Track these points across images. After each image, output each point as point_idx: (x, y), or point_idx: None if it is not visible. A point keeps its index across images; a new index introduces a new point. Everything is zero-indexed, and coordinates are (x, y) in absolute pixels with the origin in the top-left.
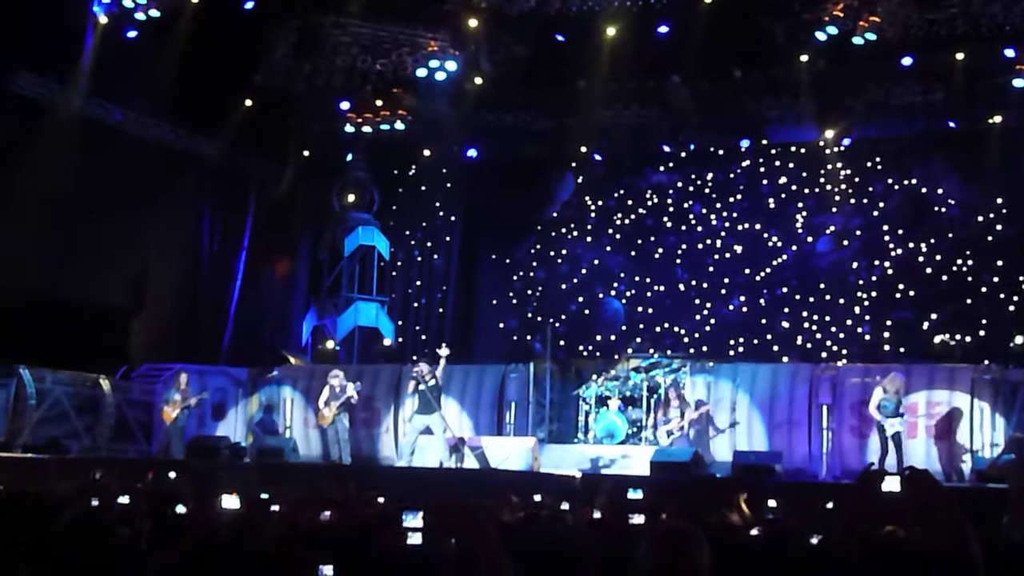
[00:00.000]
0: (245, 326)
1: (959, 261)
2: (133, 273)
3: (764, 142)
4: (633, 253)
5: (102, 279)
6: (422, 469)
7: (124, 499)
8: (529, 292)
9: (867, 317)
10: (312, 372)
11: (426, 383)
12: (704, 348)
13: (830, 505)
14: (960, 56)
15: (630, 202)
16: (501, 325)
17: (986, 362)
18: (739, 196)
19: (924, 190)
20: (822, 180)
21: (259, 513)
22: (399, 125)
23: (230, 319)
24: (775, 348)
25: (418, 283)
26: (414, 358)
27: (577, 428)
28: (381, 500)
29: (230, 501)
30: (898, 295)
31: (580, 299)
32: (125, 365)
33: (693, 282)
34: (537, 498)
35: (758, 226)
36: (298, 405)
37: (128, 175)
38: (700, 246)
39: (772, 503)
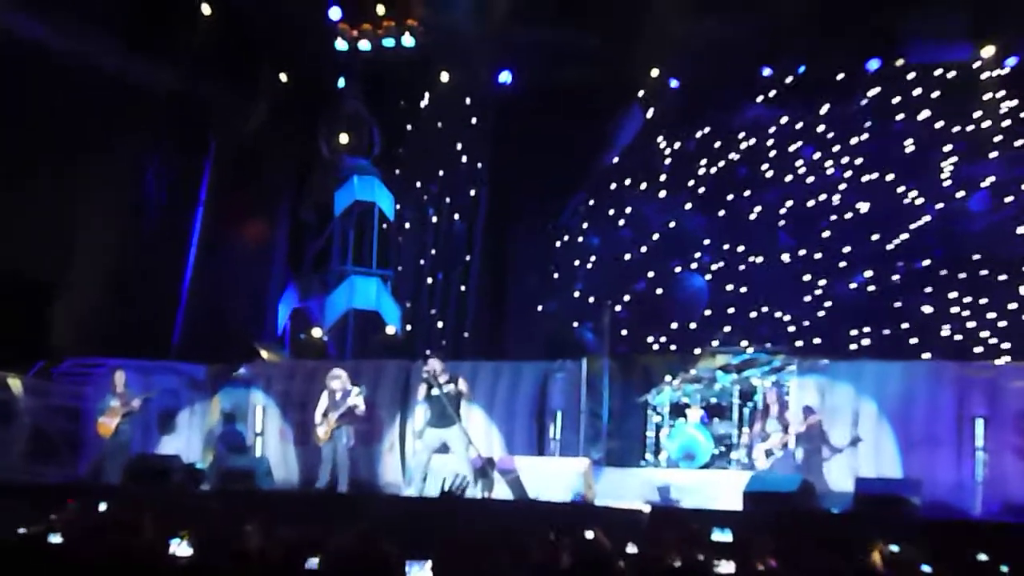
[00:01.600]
0: (202, 309)
1: None
2: (53, 239)
3: (899, 63)
4: (721, 213)
5: (10, 246)
6: (436, 500)
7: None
8: (579, 264)
9: None
10: (292, 370)
11: (441, 386)
12: (816, 340)
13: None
14: None
15: (717, 145)
16: (541, 308)
17: None
18: (864, 137)
19: None
20: (978, 115)
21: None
22: (408, 41)
23: (182, 299)
24: (912, 341)
25: (432, 252)
26: (427, 353)
27: (644, 446)
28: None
29: (180, 547)
30: None
31: (649, 274)
32: (43, 360)
33: (802, 252)
34: (589, 535)
35: (890, 177)
36: (273, 414)
37: (49, 108)
38: (811, 204)
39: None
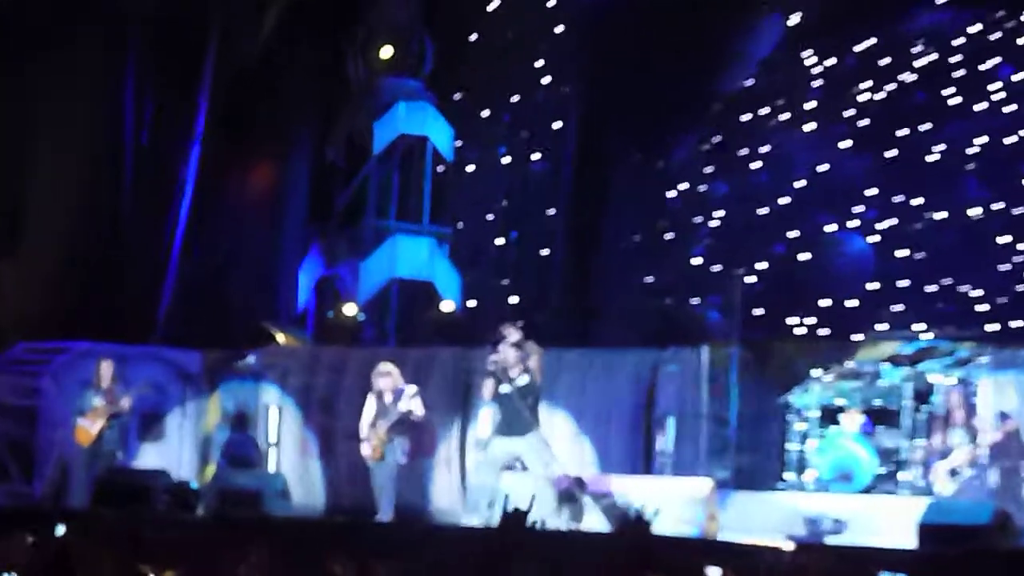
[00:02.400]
0: (197, 278)
1: None
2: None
3: None
4: (890, 153)
5: None
6: (499, 529)
7: None
8: (700, 220)
9: None
10: (315, 359)
11: (514, 382)
12: (1014, 324)
13: None
14: None
15: (884, 61)
16: (650, 279)
17: None
18: None
19: None
20: None
21: None
22: None
23: (171, 267)
24: None
25: (504, 204)
26: (496, 337)
27: (784, 463)
28: None
29: None
30: None
31: (792, 234)
32: None
33: (997, 206)
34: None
35: None
36: (290, 417)
37: None
38: (1010, 141)
39: None
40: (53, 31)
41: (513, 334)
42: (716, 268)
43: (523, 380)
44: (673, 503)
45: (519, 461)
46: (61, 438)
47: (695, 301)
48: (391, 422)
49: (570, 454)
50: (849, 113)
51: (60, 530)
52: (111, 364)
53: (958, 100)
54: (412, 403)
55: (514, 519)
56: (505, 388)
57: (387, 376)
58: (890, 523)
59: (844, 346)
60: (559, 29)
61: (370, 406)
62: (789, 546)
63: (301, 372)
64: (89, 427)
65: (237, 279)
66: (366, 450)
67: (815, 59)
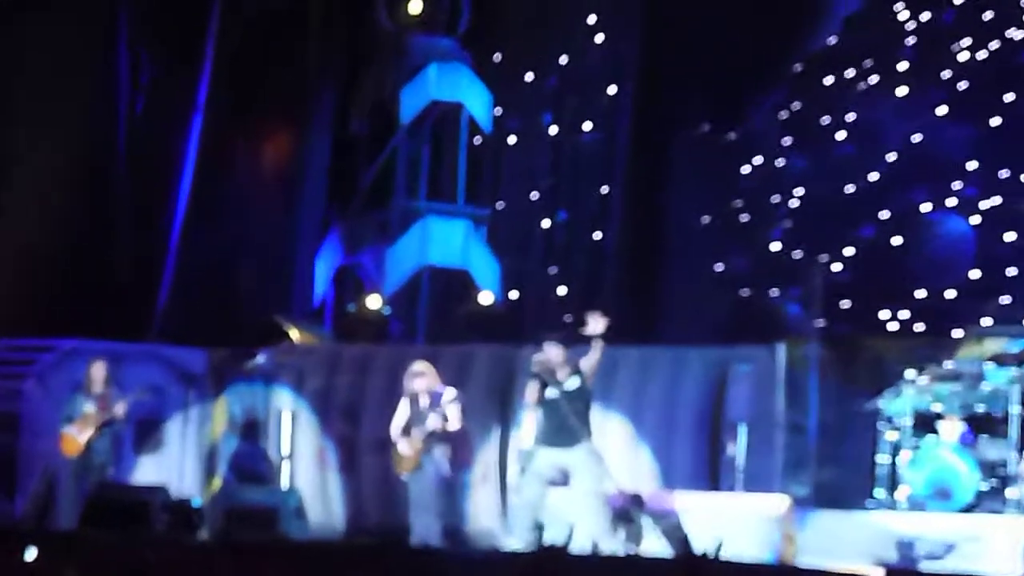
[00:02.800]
0: (200, 267)
1: None
2: None
3: None
4: (995, 121)
5: None
6: (554, 558)
7: None
8: (777, 200)
9: None
10: (336, 359)
11: (562, 385)
12: None
13: None
14: None
15: (988, 16)
16: (719, 267)
17: None
18: None
19: None
20: None
21: None
22: None
23: (170, 254)
24: None
25: (550, 181)
26: (541, 334)
27: (873, 478)
28: None
29: None
30: None
31: (882, 215)
32: None
33: None
34: None
35: None
36: (307, 424)
37: None
38: None
39: None
40: None
41: (598, 322)
42: (796, 254)
43: (573, 383)
44: (744, 523)
45: (567, 475)
46: (46, 448)
47: (772, 292)
48: (427, 430)
49: (626, 467)
50: (947, 75)
51: (31, 554)
52: (103, 365)
53: None
54: (450, 408)
55: (555, 549)
56: (552, 392)
57: (421, 377)
58: (994, 546)
59: (942, 343)
60: None
61: (403, 411)
62: (878, 573)
63: (319, 373)
64: (77, 436)
65: (246, 268)
66: (399, 461)
67: (908, 13)
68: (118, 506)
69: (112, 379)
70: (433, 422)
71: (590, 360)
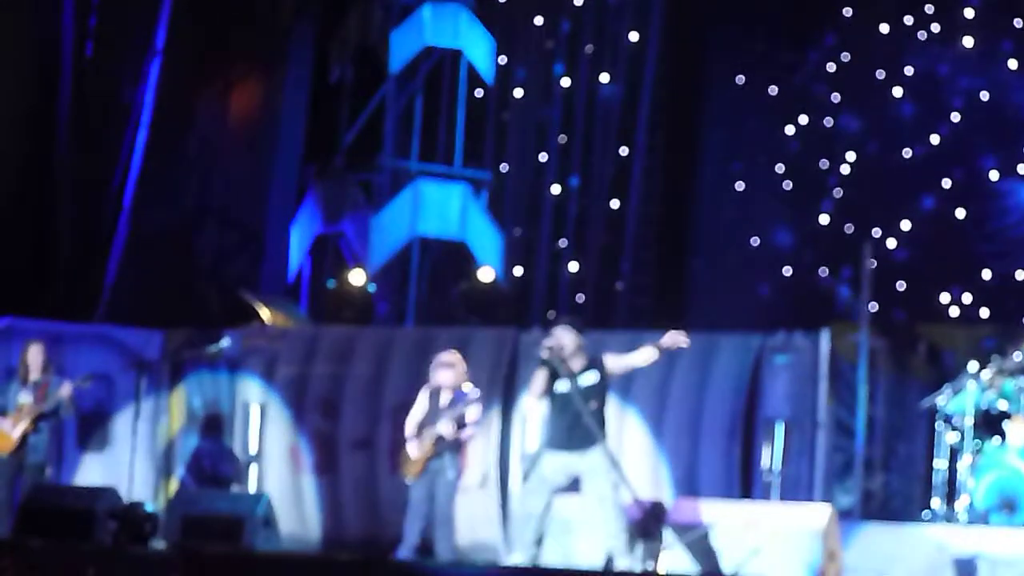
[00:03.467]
0: (154, 236)
1: None
2: None
3: None
4: None
5: None
6: None
7: None
8: (824, 165)
9: None
10: (312, 342)
11: (575, 378)
12: None
13: None
14: None
15: None
16: (755, 241)
17: None
18: None
19: None
20: None
21: None
22: None
23: (121, 221)
24: None
25: (562, 139)
26: (550, 316)
27: (930, 487)
28: None
29: None
30: None
31: (944, 183)
32: None
33: None
34: None
35: None
36: (277, 419)
37: None
38: None
39: None
40: None
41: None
42: (846, 228)
43: (589, 378)
44: (781, 537)
45: (577, 481)
46: None
47: (818, 271)
48: (437, 433)
49: (647, 473)
50: (1019, 24)
51: None
52: (41, 348)
53: None
54: (473, 409)
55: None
56: (563, 385)
57: (448, 369)
58: None
59: (1011, 332)
60: None
61: (421, 403)
62: None
63: (292, 360)
64: (10, 431)
65: (208, 237)
66: (406, 463)
67: None
68: (58, 512)
69: (52, 364)
70: (445, 427)
71: (623, 362)
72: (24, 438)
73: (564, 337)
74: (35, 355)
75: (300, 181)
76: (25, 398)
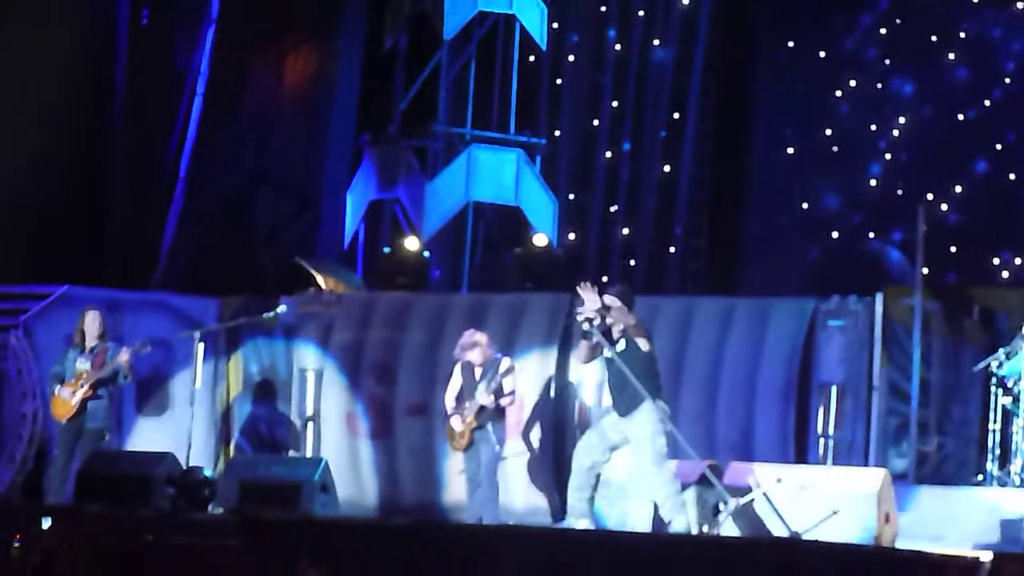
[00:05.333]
0: (213, 204)
1: None
2: None
3: None
4: None
5: None
6: (615, 539)
7: None
8: (875, 129)
9: None
10: (368, 308)
11: (614, 341)
12: None
13: None
14: None
15: None
16: (807, 206)
17: None
18: None
19: None
20: None
21: None
22: None
23: (177, 186)
24: None
25: (614, 105)
26: (603, 280)
27: (985, 451)
28: None
29: None
30: None
31: (998, 147)
32: None
33: None
34: None
35: None
36: (334, 384)
37: None
38: None
39: None
40: None
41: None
42: (898, 191)
43: (637, 339)
44: (836, 501)
45: (629, 444)
46: (34, 411)
47: (869, 235)
48: (478, 404)
49: (700, 436)
50: None
51: (46, 524)
52: (97, 315)
53: None
54: (507, 380)
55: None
56: (607, 351)
57: (474, 348)
58: None
59: None
60: None
61: (456, 381)
62: (986, 556)
63: (348, 326)
64: (69, 398)
65: (264, 204)
66: (451, 436)
67: None
68: (117, 478)
69: (108, 331)
70: (484, 397)
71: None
72: (83, 404)
73: (602, 303)
74: (92, 322)
75: (355, 149)
76: (83, 364)
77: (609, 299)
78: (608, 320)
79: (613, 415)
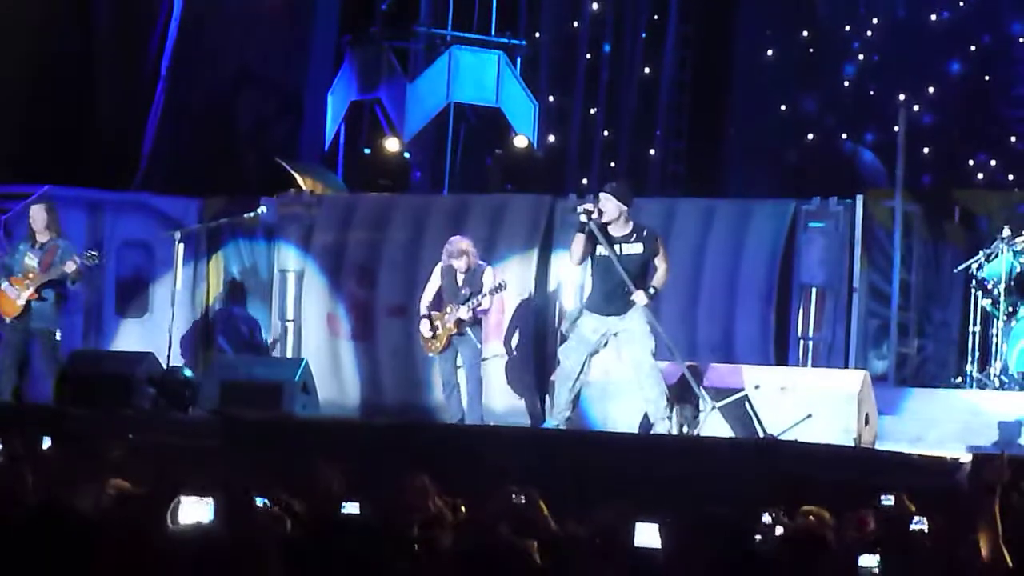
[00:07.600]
0: (194, 103)
1: None
2: None
3: None
4: None
5: None
6: (601, 439)
7: None
8: (850, 30)
9: None
10: (348, 210)
11: (616, 245)
12: None
13: None
14: None
15: None
16: (786, 108)
17: None
18: None
19: None
20: None
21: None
22: None
23: (158, 87)
24: None
25: (595, 7)
26: (583, 182)
27: (965, 353)
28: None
29: (193, 508)
30: None
31: (971, 47)
32: None
33: None
34: (888, 501)
35: None
36: (315, 286)
37: None
38: None
39: None
40: None
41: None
42: (872, 92)
43: (633, 248)
44: (816, 402)
45: (617, 345)
46: None
47: (846, 137)
48: (460, 311)
49: (681, 337)
50: None
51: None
52: (43, 208)
53: None
54: (485, 301)
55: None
56: (603, 250)
57: (462, 257)
58: None
59: None
60: None
61: (435, 283)
62: (965, 457)
63: (330, 227)
64: (15, 297)
65: (245, 103)
66: (425, 340)
67: None
68: (100, 377)
69: (58, 225)
70: (466, 314)
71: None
72: (28, 305)
73: (605, 203)
74: (36, 214)
75: (336, 47)
76: (31, 261)
77: (605, 196)
78: (604, 218)
79: (595, 316)
